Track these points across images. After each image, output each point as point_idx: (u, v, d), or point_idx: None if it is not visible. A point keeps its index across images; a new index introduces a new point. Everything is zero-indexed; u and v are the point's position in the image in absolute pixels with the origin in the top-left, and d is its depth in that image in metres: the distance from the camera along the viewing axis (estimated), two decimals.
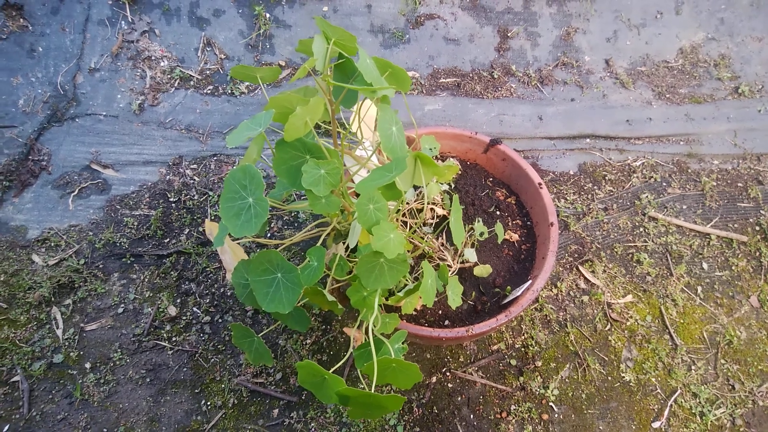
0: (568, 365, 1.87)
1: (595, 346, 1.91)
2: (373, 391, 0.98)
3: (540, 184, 1.56)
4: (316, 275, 1.10)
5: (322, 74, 1.20)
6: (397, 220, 1.53)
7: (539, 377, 1.84)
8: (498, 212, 1.65)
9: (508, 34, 2.37)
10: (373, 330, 1.08)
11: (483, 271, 1.45)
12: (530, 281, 1.34)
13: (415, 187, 1.63)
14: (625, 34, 2.41)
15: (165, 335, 1.90)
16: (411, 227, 1.55)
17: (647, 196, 2.17)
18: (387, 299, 1.30)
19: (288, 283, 1.03)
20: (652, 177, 2.21)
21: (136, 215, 2.14)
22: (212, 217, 2.15)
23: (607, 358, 1.89)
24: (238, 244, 1.54)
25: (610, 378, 1.86)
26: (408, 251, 1.41)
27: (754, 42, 2.37)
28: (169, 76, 2.35)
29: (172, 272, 2.02)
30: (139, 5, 2.40)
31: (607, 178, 2.21)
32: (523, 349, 1.89)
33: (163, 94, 2.33)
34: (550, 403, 1.80)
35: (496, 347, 1.89)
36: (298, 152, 1.09)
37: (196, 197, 2.18)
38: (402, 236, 1.08)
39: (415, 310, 1.50)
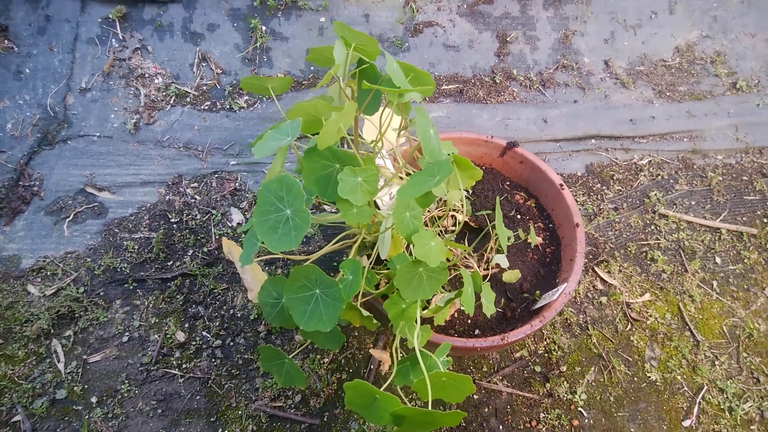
0: (593, 368, 1.83)
1: (618, 347, 1.88)
2: (429, 407, 0.93)
3: (561, 185, 1.54)
4: (352, 289, 1.04)
5: (346, 80, 1.16)
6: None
7: (565, 382, 1.80)
8: (518, 216, 1.62)
9: (507, 39, 2.37)
10: (417, 344, 1.02)
11: (512, 276, 1.41)
12: (565, 284, 1.30)
13: None
14: (622, 35, 2.43)
15: (174, 362, 1.82)
16: None
17: (656, 194, 2.17)
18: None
19: (328, 299, 0.97)
20: (659, 174, 2.21)
21: (136, 238, 2.06)
22: (216, 236, 2.08)
23: (631, 359, 1.86)
24: (256, 261, 1.47)
25: (636, 378, 1.82)
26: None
27: (747, 38, 2.41)
28: (164, 94, 2.28)
29: (177, 296, 1.94)
30: (129, 22, 2.33)
31: (615, 177, 2.20)
32: (546, 355, 1.85)
33: (158, 112, 2.26)
34: (579, 409, 1.75)
35: (519, 354, 1.85)
36: (327, 161, 1.04)
37: (198, 217, 2.10)
38: (442, 243, 1.03)
39: (444, 320, 1.45)
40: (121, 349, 1.85)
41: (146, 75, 2.30)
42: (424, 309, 1.26)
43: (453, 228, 1.54)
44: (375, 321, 1.15)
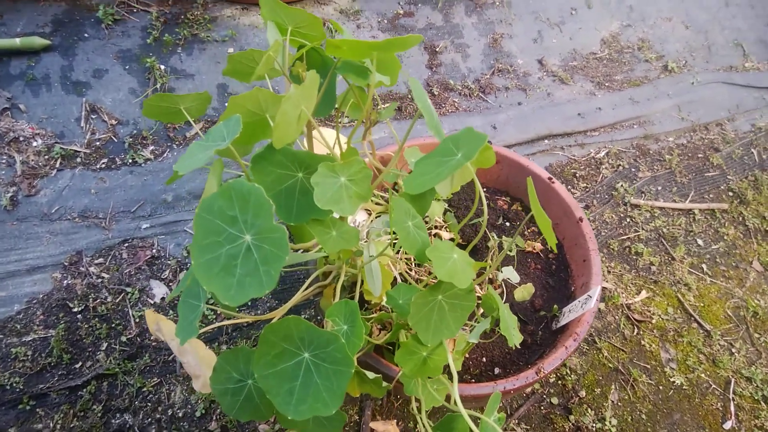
0: (613, 386, 1.59)
1: (632, 355, 1.66)
2: None
3: (550, 178, 1.32)
4: (354, 344, 0.72)
5: (287, 70, 0.88)
6: (398, 252, 1.19)
7: (589, 410, 1.53)
8: (507, 223, 1.37)
9: (437, 50, 2.21)
10: (459, 402, 0.71)
11: (525, 293, 1.14)
12: (597, 288, 1.05)
13: None
14: (549, 33, 2.36)
15: None
16: (413, 261, 1.21)
17: (622, 185, 2.04)
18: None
19: (326, 365, 0.64)
20: (619, 165, 2.09)
21: (28, 342, 1.57)
22: (136, 319, 1.64)
23: (649, 366, 1.64)
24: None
25: (661, 387, 1.60)
26: None
27: (665, 22, 2.44)
28: (46, 157, 1.86)
29: (94, 406, 1.47)
30: None
31: (577, 175, 2.05)
32: (559, 382, 1.58)
33: (41, 180, 1.82)
34: None
35: (530, 389, 1.57)
36: (286, 169, 0.74)
37: (109, 299, 1.66)
38: (465, 254, 0.75)
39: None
40: None
41: (21, 138, 1.87)
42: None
43: None
44: (385, 384, 0.83)
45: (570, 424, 1.51)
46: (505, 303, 1.10)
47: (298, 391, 0.65)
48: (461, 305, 0.78)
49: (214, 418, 1.47)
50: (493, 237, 1.27)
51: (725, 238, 1.97)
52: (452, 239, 1.30)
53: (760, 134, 2.26)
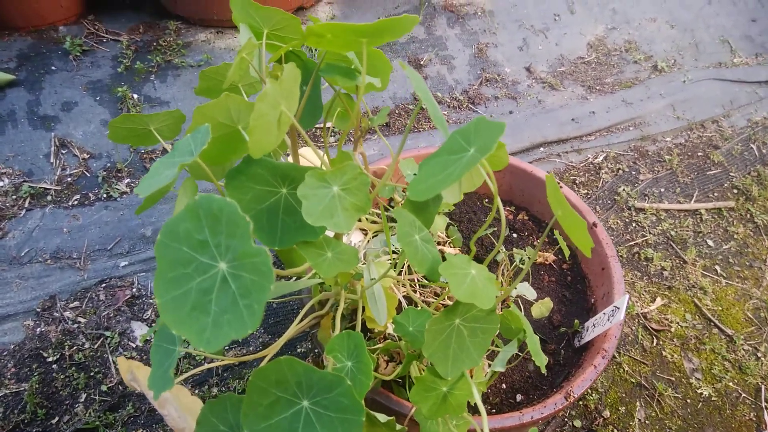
0: (638, 403, 1.47)
1: (654, 368, 1.55)
2: None
3: (558, 183, 1.23)
4: (361, 386, 0.61)
5: (271, 74, 0.78)
6: (400, 273, 1.08)
7: (615, 430, 1.41)
8: (514, 234, 1.27)
9: (421, 63, 2.15)
10: None
11: (543, 308, 1.04)
12: (626, 297, 0.95)
13: None
14: (534, 41, 2.31)
15: None
16: (410, 282, 1.11)
17: (624, 189, 1.96)
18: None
19: (331, 414, 0.53)
20: (619, 168, 2.02)
21: None
22: (117, 365, 1.50)
23: (673, 378, 1.53)
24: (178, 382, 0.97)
25: (688, 400, 1.49)
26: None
27: (650, 23, 2.40)
28: (14, 197, 1.73)
29: None
30: None
31: (577, 181, 1.97)
32: (580, 403, 1.47)
33: (9, 222, 1.70)
34: None
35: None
36: (266, 185, 0.63)
37: (87, 346, 1.53)
38: (485, 268, 0.64)
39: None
40: None
41: None
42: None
43: None
44: (400, 427, 0.71)
45: None
46: (529, 324, 0.99)
47: None
48: (482, 328, 0.67)
49: None
50: (502, 250, 1.17)
51: (735, 237, 1.88)
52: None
53: (757, 129, 2.21)
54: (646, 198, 1.95)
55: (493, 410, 1.01)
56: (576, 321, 1.11)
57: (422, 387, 0.66)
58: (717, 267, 1.81)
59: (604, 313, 0.99)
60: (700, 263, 1.80)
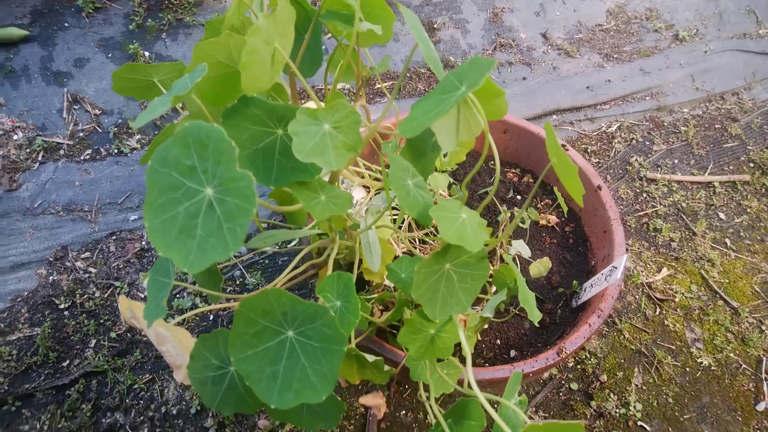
0: (636, 369, 1.48)
1: (655, 336, 1.55)
2: None
3: (564, 145, 1.21)
4: (349, 321, 0.62)
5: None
6: (400, 228, 1.09)
7: (612, 395, 1.43)
8: (518, 197, 1.27)
9: (435, 26, 2.11)
10: (474, 384, 0.61)
11: (541, 268, 1.04)
12: (624, 257, 0.95)
13: None
14: (552, 6, 2.25)
15: None
16: (411, 241, 1.11)
17: (636, 159, 1.93)
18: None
19: (313, 343, 0.54)
20: (632, 138, 1.98)
21: (13, 341, 1.49)
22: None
23: (674, 347, 1.53)
24: (170, 322, 1.00)
25: (687, 369, 1.49)
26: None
27: None
28: (28, 151, 1.77)
29: (83, 405, 1.39)
30: None
31: (589, 150, 1.94)
32: (579, 367, 1.48)
33: (23, 174, 1.73)
34: (639, 422, 1.38)
35: (547, 375, 1.46)
36: (262, 126, 0.64)
37: (97, 294, 1.57)
38: (476, 214, 0.64)
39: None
40: None
41: (0, 132, 1.78)
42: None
43: None
44: (387, 368, 0.73)
45: (591, 410, 1.40)
46: (524, 280, 0.99)
47: (282, 375, 0.55)
48: (472, 275, 0.68)
49: (211, 414, 1.38)
50: (503, 210, 1.17)
51: (748, 210, 1.85)
52: None
53: None
54: (659, 169, 1.91)
55: (486, 363, 1.02)
56: (575, 282, 1.11)
57: (410, 329, 0.68)
58: (727, 240, 1.78)
59: (602, 274, 0.99)
60: (709, 236, 1.78)
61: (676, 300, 1.63)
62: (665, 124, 2.02)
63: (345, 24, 0.77)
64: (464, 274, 0.67)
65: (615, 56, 2.14)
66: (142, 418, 1.38)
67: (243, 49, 0.53)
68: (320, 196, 0.67)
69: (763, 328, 1.59)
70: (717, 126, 2.03)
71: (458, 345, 1.07)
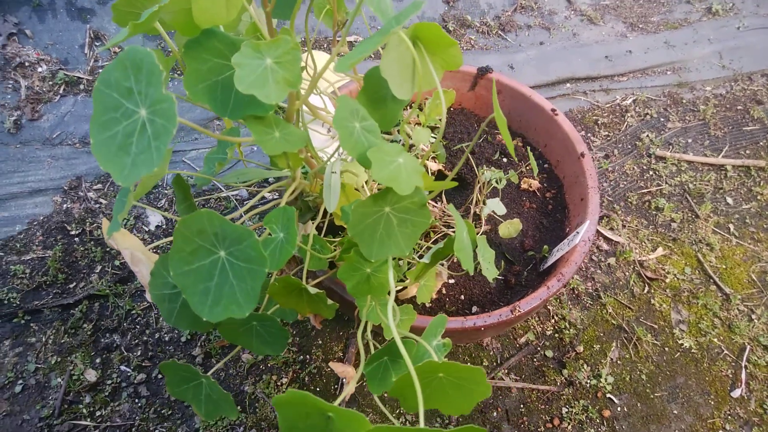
0: (614, 344, 1.50)
1: (639, 314, 1.56)
2: (422, 423, 0.55)
3: (554, 110, 1.21)
4: (284, 252, 0.66)
5: None
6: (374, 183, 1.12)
7: (585, 366, 1.45)
8: (504, 159, 1.27)
9: None
10: (392, 323, 0.65)
11: (511, 228, 1.06)
12: (587, 223, 0.96)
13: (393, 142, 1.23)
14: None
15: (85, 411, 1.37)
16: None
17: (648, 135, 1.88)
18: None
19: (240, 263, 0.59)
20: (647, 114, 1.93)
21: (27, 261, 1.60)
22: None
23: (656, 326, 1.53)
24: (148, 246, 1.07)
25: (667, 349, 1.50)
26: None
27: None
28: (50, 83, 1.85)
29: (84, 325, 1.50)
30: (2, 5, 1.90)
31: (599, 122, 1.90)
32: (557, 336, 1.50)
33: (45, 105, 1.82)
34: (608, 395, 1.41)
35: (524, 340, 1.50)
36: (222, 59, 0.67)
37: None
38: (415, 160, 0.67)
39: (430, 299, 1.08)
40: (13, 403, 1.39)
41: (26, 64, 1.87)
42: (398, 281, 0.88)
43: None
44: (330, 303, 0.77)
45: (562, 378, 1.43)
46: (483, 236, 1.02)
47: (214, 291, 0.60)
48: (413, 221, 0.70)
49: (199, 344, 1.48)
50: (483, 171, 1.18)
51: (758, 198, 1.80)
52: (440, 170, 1.22)
53: None
54: (670, 147, 1.86)
55: (448, 316, 1.06)
56: (545, 247, 1.13)
57: (349, 266, 0.72)
58: (731, 225, 1.74)
59: (568, 239, 1.00)
60: (713, 219, 1.74)
61: (667, 280, 1.62)
62: (684, 101, 1.95)
63: None
64: (404, 219, 0.70)
65: (640, 26, 2.06)
66: (137, 341, 1.48)
67: None
68: (274, 132, 0.70)
69: (753, 317, 1.57)
70: (739, 107, 1.95)
71: (412, 300, 1.11)
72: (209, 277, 0.60)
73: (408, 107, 1.30)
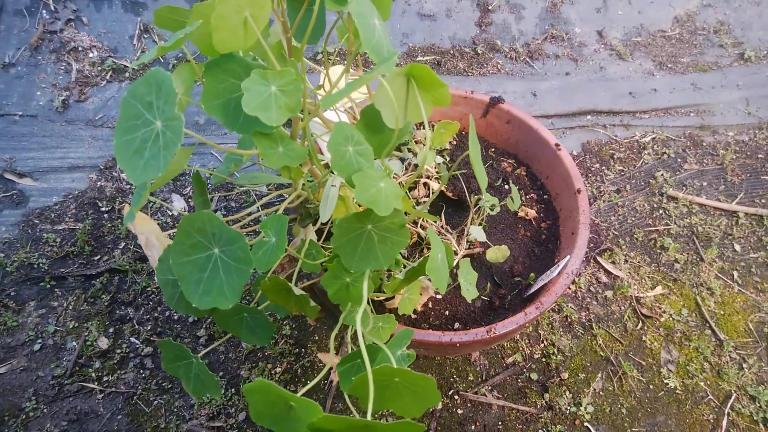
0: (600, 375, 1.53)
1: (629, 349, 1.58)
2: (369, 417, 0.62)
3: (557, 145, 1.26)
4: (274, 255, 0.74)
5: None
6: None
7: (568, 392, 1.49)
8: (506, 186, 1.33)
9: (489, 8, 2.12)
10: (362, 332, 0.72)
11: (498, 254, 1.12)
12: (567, 257, 1.01)
13: (402, 161, 1.31)
14: (616, 4, 2.19)
15: (93, 375, 1.49)
16: None
17: (662, 174, 1.90)
18: (377, 292, 0.95)
19: (230, 262, 0.67)
20: (664, 153, 1.94)
21: (58, 230, 1.74)
22: None
23: (644, 363, 1.56)
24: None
25: (651, 386, 1.52)
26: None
27: (753, 6, 2.18)
28: (99, 69, 1.99)
29: (103, 296, 1.62)
30: None
31: (615, 156, 1.93)
32: (544, 360, 1.55)
33: (92, 89, 1.97)
34: (586, 423, 1.44)
35: (511, 360, 1.54)
36: (237, 79, 0.75)
37: None
38: (396, 186, 0.74)
39: (414, 312, 1.15)
40: (31, 360, 1.52)
41: (80, 48, 2.01)
42: (379, 290, 0.96)
43: (425, 199, 1.25)
44: (313, 304, 0.85)
45: (543, 401, 1.48)
46: (466, 259, 1.08)
47: (205, 282, 0.69)
48: (392, 239, 0.78)
49: (204, 326, 1.58)
50: (470, 198, 1.24)
51: (767, 248, 1.80)
52: (442, 191, 1.28)
53: None
54: (684, 188, 1.88)
55: (430, 329, 1.13)
56: (532, 274, 1.18)
57: (331, 274, 0.79)
58: (735, 272, 1.75)
59: (551, 270, 1.05)
60: (717, 264, 1.75)
61: (662, 319, 1.64)
62: (704, 144, 1.96)
63: (334, 2, 0.86)
64: (384, 237, 0.77)
65: (669, 65, 2.07)
66: (148, 316, 1.59)
67: (212, 14, 0.64)
68: (278, 147, 0.78)
69: (744, 366, 1.57)
70: (760, 156, 1.95)
71: (413, 311, 1.18)
72: (203, 270, 0.69)
73: (420, 126, 1.38)
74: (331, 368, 0.85)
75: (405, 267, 0.86)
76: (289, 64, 0.71)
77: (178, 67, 0.82)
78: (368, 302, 1.00)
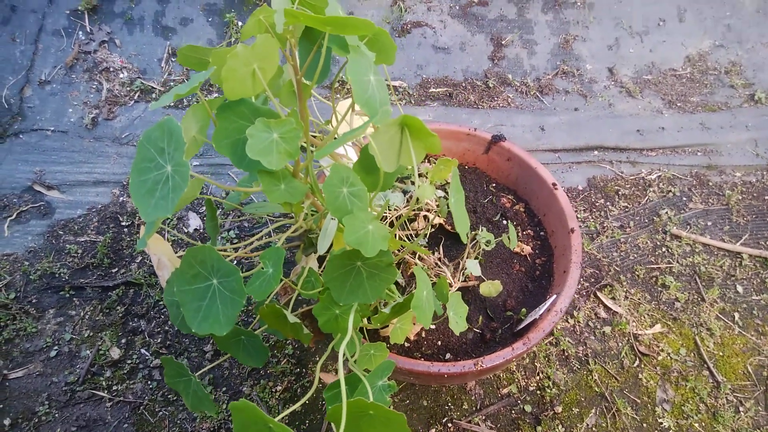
0: (593, 410, 1.55)
1: (624, 386, 1.60)
2: None
3: (554, 184, 1.30)
4: (269, 286, 0.80)
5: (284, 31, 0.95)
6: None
7: (561, 426, 1.51)
8: (504, 221, 1.38)
9: (502, 42, 2.19)
10: (347, 361, 0.77)
11: (491, 288, 1.16)
12: (554, 296, 1.05)
13: (404, 192, 1.37)
14: (627, 42, 2.24)
15: (104, 383, 1.56)
16: (400, 239, 1.27)
17: (667, 212, 1.92)
18: (369, 321, 1.00)
19: (226, 292, 0.73)
20: (670, 191, 1.96)
21: (80, 242, 1.84)
22: (170, 242, 1.85)
23: (639, 401, 1.57)
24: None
25: (645, 425, 1.53)
26: (395, 252, 1.12)
27: (765, 48, 2.20)
28: (128, 89, 2.11)
29: (118, 307, 1.70)
30: (99, 15, 2.19)
31: (620, 193, 1.96)
32: (538, 392, 1.57)
33: (120, 108, 2.08)
34: None
35: (506, 391, 1.57)
36: (246, 121, 0.82)
37: None
38: (385, 228, 0.80)
39: (408, 340, 1.19)
40: (46, 365, 1.61)
41: (111, 69, 2.13)
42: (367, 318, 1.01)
43: (423, 231, 1.30)
44: (307, 332, 0.91)
45: None
46: (458, 292, 1.13)
47: (204, 310, 0.75)
48: (380, 276, 0.83)
49: (210, 342, 1.64)
50: (482, 229, 1.29)
51: None
52: (441, 224, 1.34)
53: None
54: (688, 227, 1.89)
55: (421, 358, 1.17)
56: (523, 310, 1.22)
57: (323, 304, 0.85)
58: (736, 314, 1.75)
59: (539, 307, 1.09)
60: (719, 305, 1.76)
61: (659, 358, 1.65)
62: (710, 183, 1.98)
63: (340, 50, 0.93)
64: (373, 273, 0.83)
65: (678, 104, 2.10)
66: (159, 330, 1.67)
67: (223, 67, 0.72)
68: (280, 185, 0.85)
69: (741, 409, 1.57)
70: (767, 197, 1.96)
71: (407, 339, 1.23)
72: (202, 298, 0.75)
73: (425, 160, 1.43)
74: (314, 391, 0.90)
75: (395, 300, 0.92)
76: (291, 114, 0.78)
77: (193, 106, 0.90)
78: (361, 330, 1.06)
